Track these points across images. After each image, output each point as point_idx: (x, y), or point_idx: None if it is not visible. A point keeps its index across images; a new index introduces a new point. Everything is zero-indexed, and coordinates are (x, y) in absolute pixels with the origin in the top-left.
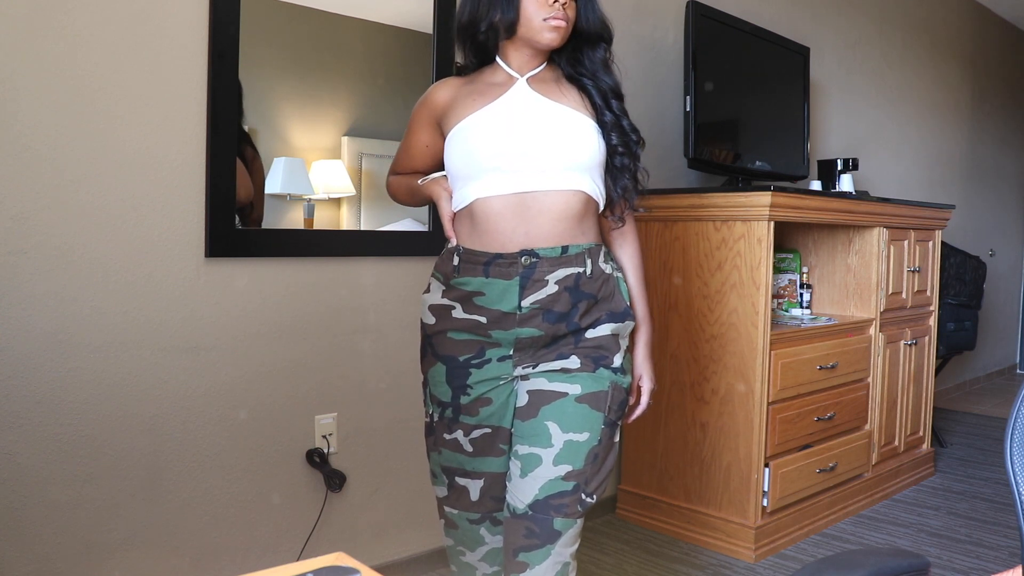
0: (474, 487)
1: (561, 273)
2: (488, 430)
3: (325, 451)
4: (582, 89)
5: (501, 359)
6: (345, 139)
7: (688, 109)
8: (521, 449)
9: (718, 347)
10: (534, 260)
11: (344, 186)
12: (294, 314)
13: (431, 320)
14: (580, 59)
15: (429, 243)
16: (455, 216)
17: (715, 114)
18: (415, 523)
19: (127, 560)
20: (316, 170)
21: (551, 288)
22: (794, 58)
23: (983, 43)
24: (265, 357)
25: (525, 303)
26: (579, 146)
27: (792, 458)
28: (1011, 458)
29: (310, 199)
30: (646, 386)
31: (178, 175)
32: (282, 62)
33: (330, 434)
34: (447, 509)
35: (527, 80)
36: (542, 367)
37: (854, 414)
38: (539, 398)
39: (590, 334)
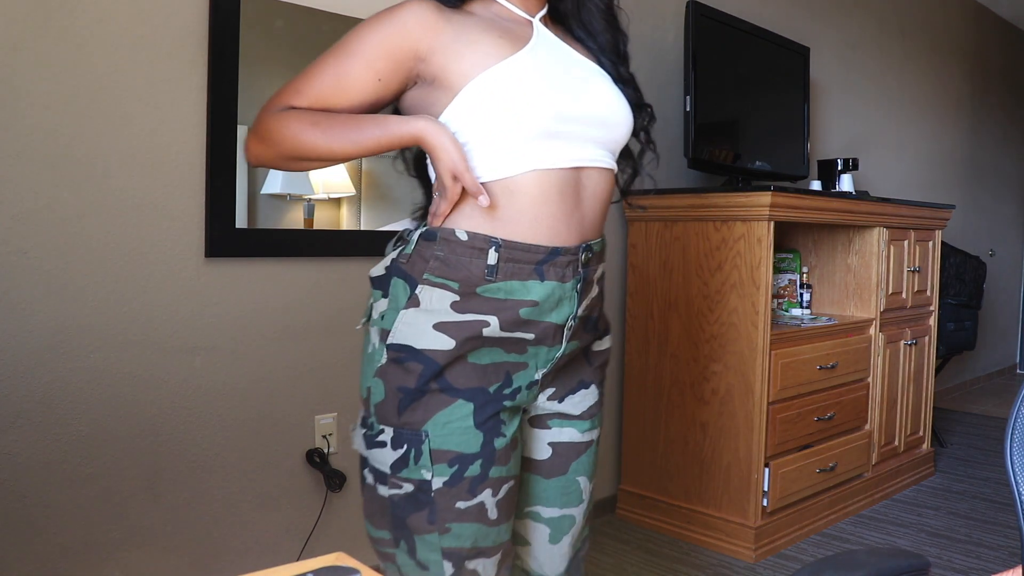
0: (489, 568)
1: (600, 271)
2: (513, 482)
3: (325, 451)
4: (584, 46)
5: (529, 386)
6: None
7: (688, 109)
8: (549, 512)
9: (718, 347)
10: (590, 256)
11: (344, 186)
12: (294, 314)
13: (446, 345)
14: (580, 3)
15: None
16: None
17: (715, 114)
18: None
19: (127, 560)
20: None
21: (594, 290)
22: (794, 58)
23: (983, 43)
24: (265, 357)
25: (580, 312)
26: (627, 115)
27: (792, 458)
28: (1011, 458)
29: (310, 199)
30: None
31: (178, 175)
32: (282, 62)
33: (330, 434)
34: None
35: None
36: (568, 401)
37: (854, 414)
38: (570, 451)
39: (596, 347)
